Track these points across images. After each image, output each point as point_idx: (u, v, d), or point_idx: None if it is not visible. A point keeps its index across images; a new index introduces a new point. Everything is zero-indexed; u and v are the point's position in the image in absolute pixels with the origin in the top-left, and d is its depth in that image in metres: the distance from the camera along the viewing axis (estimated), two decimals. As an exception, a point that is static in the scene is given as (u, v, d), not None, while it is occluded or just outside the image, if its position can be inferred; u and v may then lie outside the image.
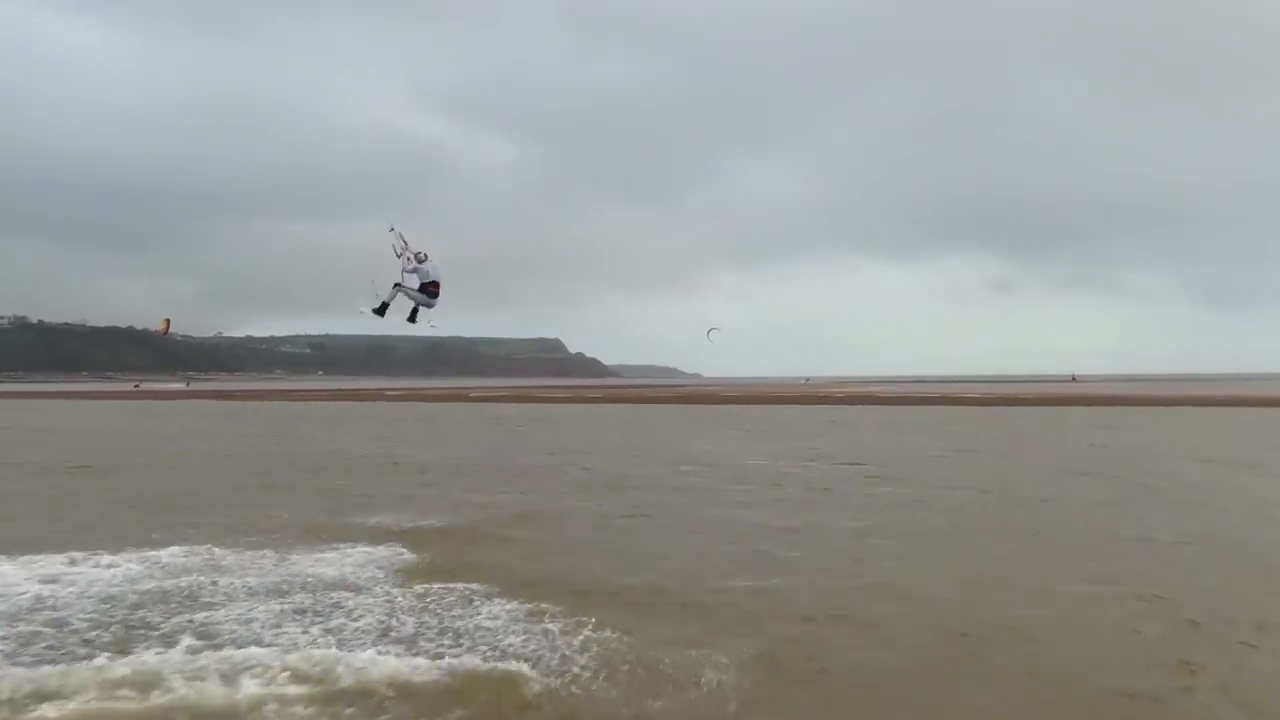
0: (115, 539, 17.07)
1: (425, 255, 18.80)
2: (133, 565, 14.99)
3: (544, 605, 12.25)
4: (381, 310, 19.15)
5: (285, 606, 12.40)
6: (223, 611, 12.13)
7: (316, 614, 12.04)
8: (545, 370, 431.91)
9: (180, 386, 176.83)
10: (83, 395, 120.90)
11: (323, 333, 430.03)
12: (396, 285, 18.76)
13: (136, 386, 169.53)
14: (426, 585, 13.58)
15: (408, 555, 15.93)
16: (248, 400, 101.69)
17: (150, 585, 13.61)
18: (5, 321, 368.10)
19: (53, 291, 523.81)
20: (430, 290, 18.64)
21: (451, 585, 13.57)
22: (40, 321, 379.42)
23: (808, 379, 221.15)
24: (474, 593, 13.21)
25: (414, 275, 18.58)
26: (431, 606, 12.47)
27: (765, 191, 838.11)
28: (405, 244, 18.59)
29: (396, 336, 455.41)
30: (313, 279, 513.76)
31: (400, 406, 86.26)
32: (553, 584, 13.84)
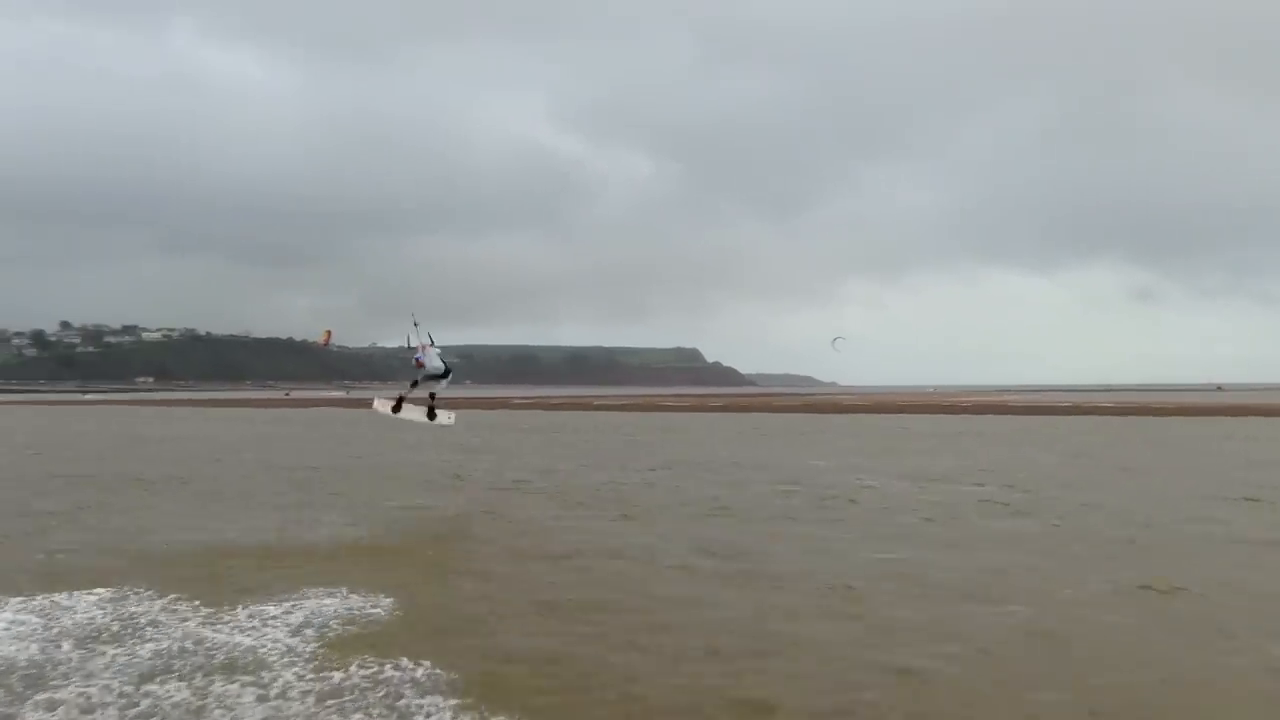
0: (46, 576, 14.21)
1: (431, 342, 21.82)
2: (30, 618, 11.81)
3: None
4: (397, 407, 22.82)
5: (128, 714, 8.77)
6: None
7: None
8: (684, 379, 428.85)
9: (340, 394, 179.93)
10: (231, 403, 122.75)
11: (471, 343, 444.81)
12: (413, 383, 22.08)
13: (287, 394, 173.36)
14: (358, 668, 9.78)
15: (366, 608, 12.28)
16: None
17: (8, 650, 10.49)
18: (176, 334, 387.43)
19: (220, 306, 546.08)
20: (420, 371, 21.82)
21: (388, 669, 9.75)
22: (208, 334, 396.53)
23: (935, 388, 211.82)
24: (418, 685, 9.36)
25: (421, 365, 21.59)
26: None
27: (899, 201, 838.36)
28: (421, 343, 21.59)
29: (539, 347, 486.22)
30: (461, 291, 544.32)
31: (523, 415, 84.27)
32: (543, 680, 9.75)
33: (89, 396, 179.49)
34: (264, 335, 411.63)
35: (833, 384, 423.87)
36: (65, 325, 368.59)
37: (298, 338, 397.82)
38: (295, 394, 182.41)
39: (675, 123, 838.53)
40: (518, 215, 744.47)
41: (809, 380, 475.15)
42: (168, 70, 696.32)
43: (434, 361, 21.52)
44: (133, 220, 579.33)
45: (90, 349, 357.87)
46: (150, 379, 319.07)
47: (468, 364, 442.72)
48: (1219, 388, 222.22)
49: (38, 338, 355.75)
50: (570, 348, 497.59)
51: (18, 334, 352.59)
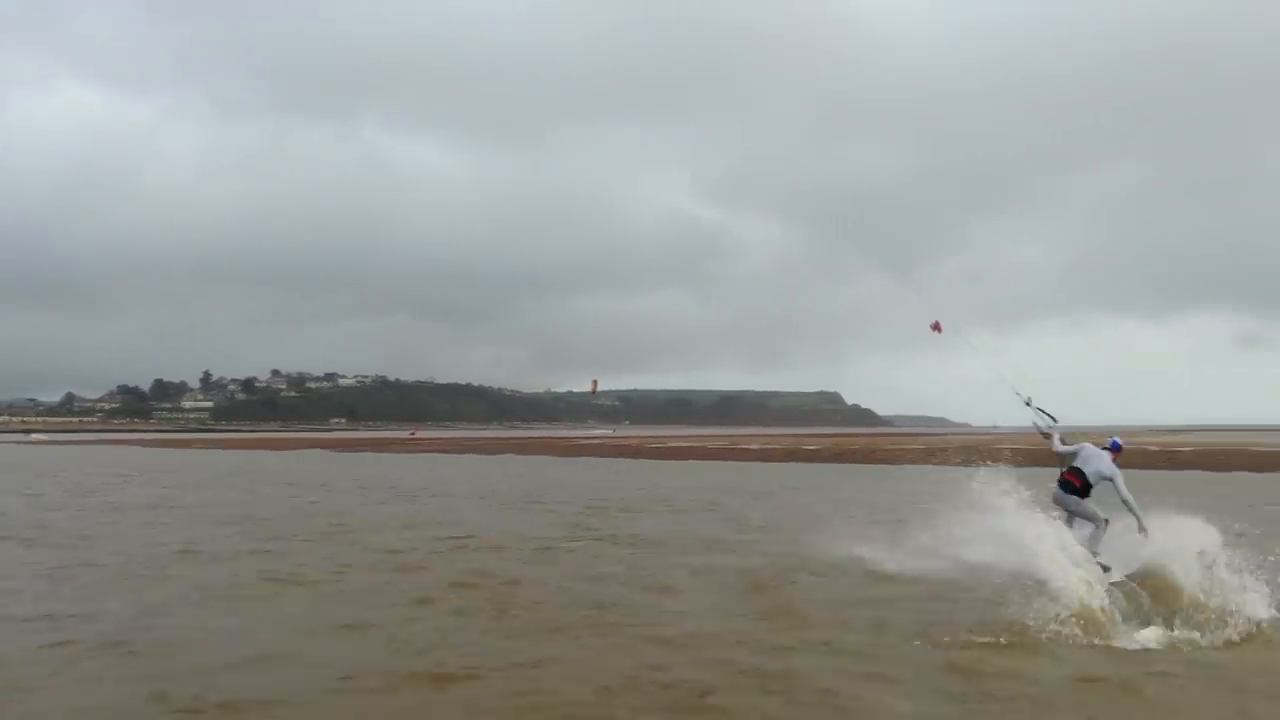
0: None
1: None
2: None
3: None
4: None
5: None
6: None
7: None
8: (826, 420, 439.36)
9: (607, 432, 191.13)
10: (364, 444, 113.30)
11: (630, 388, 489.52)
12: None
13: (412, 435, 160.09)
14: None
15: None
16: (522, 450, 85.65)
17: None
18: (369, 380, 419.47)
19: (406, 356, 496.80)
20: None
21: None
22: (397, 380, 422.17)
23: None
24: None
25: None
26: None
27: (1011, 255, 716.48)
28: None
29: (693, 391, 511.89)
30: (620, 341, 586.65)
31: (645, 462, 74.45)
32: None
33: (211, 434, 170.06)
34: (445, 381, 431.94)
35: (965, 424, 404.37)
36: (275, 373, 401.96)
37: (475, 383, 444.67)
38: (420, 434, 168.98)
39: (797, 189, 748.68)
40: (668, 275, 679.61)
41: (942, 421, 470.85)
42: (359, 156, 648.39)
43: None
44: (336, 285, 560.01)
45: (293, 394, 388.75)
46: (342, 420, 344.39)
47: (626, 405, 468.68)
48: None
49: (248, 384, 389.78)
50: (720, 391, 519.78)
51: (233, 380, 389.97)
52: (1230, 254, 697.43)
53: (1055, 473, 14.19)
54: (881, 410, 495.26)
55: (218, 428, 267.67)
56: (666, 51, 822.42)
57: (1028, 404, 15.46)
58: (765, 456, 62.63)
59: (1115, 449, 14.15)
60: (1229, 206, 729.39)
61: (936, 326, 17.27)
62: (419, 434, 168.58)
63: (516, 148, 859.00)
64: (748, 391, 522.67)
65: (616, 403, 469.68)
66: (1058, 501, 13.97)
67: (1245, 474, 36.50)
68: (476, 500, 31.64)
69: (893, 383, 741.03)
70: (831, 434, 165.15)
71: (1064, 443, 14.44)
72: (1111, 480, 13.63)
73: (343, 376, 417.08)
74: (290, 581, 15.86)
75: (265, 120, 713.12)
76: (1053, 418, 15.23)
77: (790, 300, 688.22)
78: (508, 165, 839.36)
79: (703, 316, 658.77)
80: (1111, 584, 13.18)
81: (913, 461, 51.77)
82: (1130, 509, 13.50)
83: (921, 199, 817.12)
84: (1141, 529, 13.45)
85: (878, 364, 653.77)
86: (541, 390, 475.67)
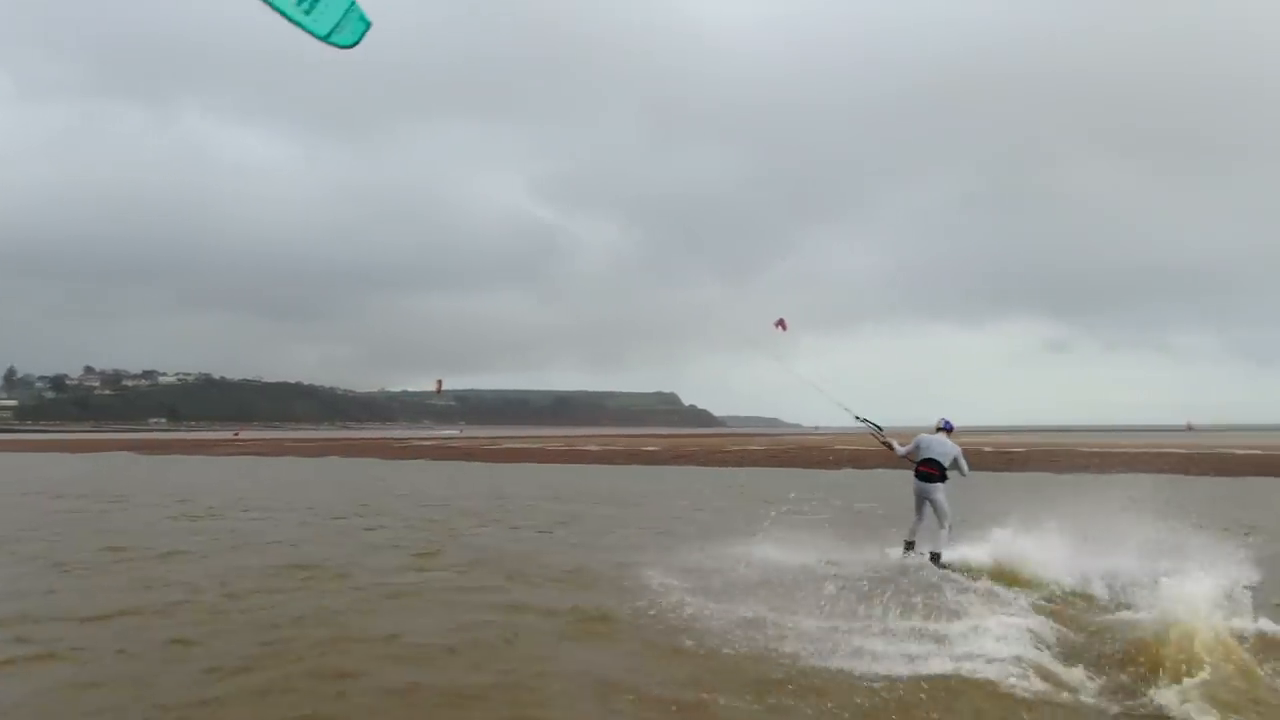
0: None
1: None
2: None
3: None
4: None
5: None
6: None
7: None
8: (662, 420, 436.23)
9: (454, 432, 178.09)
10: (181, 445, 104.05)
11: (468, 388, 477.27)
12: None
13: (236, 435, 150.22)
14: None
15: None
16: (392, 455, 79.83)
17: None
18: (191, 379, 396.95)
19: (233, 354, 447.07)
20: None
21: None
22: (222, 378, 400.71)
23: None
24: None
25: None
26: None
27: (840, 263, 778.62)
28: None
29: (531, 391, 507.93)
30: (457, 341, 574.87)
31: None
32: None
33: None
34: (274, 379, 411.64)
35: (797, 425, 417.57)
36: (88, 370, 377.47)
37: (305, 382, 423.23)
38: (244, 434, 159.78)
39: (633, 193, 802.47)
40: (506, 275, 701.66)
41: (775, 421, 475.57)
42: (179, 143, 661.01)
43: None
44: (155, 278, 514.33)
45: (108, 392, 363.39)
46: (163, 420, 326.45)
47: (463, 405, 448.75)
48: (1189, 427, 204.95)
49: (57, 382, 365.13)
50: (558, 391, 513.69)
51: (40, 378, 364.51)
52: (1040, 265, 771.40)
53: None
54: (717, 411, 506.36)
55: (22, 428, 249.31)
56: (501, 51, 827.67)
57: (858, 419, 16.56)
58: (605, 459, 61.52)
59: (948, 429, 15.31)
60: (1039, 221, 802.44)
61: (781, 324, 18.19)
62: (243, 434, 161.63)
63: (348, 141, 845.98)
64: (585, 392, 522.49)
65: (453, 402, 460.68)
66: (919, 493, 14.94)
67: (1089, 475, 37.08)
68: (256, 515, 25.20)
69: (728, 384, 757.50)
70: (668, 434, 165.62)
71: (901, 444, 15.53)
72: (957, 457, 14.92)
73: (163, 374, 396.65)
74: None
75: (74, 102, 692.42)
76: (878, 425, 16.36)
77: (628, 301, 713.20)
78: (339, 159, 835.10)
79: (541, 316, 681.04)
80: (941, 570, 13.96)
81: (756, 464, 52.06)
82: (963, 474, 15.04)
83: (753, 205, 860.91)
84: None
85: (714, 365, 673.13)
86: (376, 390, 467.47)
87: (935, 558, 14.51)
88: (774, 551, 15.55)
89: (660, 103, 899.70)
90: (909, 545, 14.99)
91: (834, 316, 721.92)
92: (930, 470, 14.86)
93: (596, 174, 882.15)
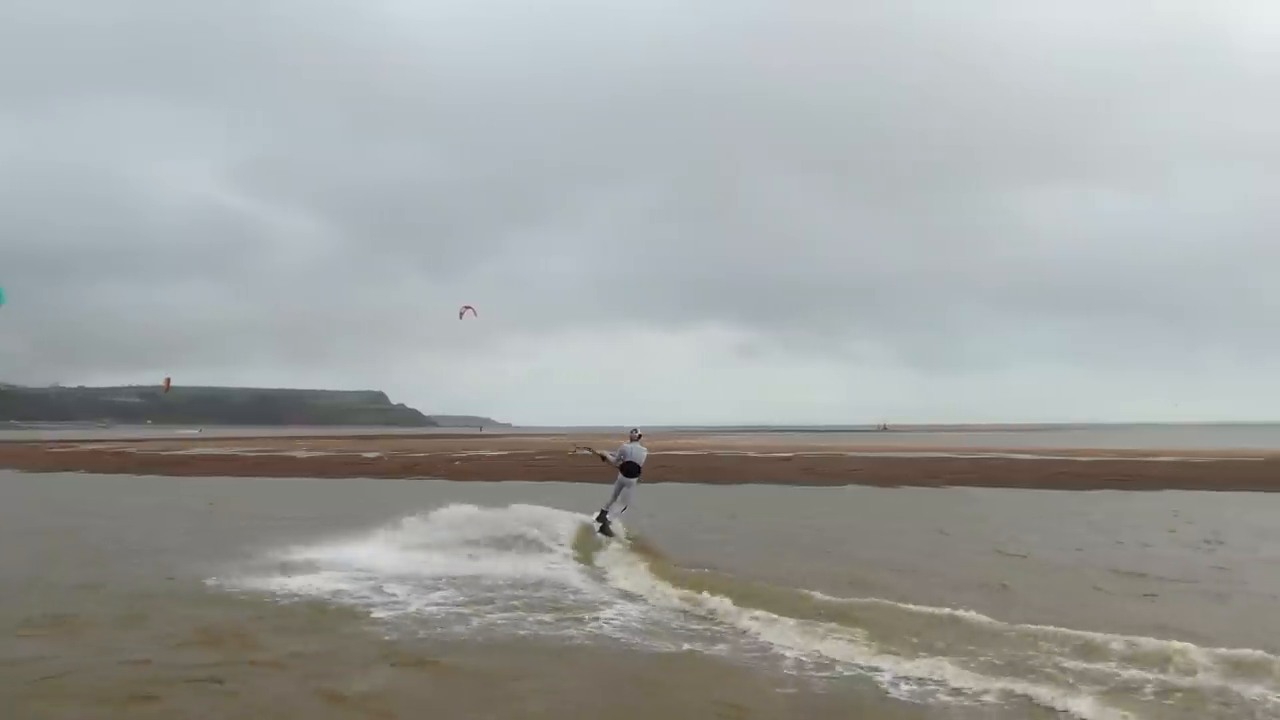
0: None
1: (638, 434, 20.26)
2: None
3: None
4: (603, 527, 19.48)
5: None
6: None
7: None
8: (371, 420, 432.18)
9: (193, 434, 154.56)
10: None
11: (154, 384, 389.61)
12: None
13: None
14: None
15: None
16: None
17: None
18: None
19: None
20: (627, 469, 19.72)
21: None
22: None
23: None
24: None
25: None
26: None
27: (544, 265, 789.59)
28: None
29: (228, 388, 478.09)
30: (141, 335, 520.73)
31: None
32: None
33: None
34: None
35: (508, 424, 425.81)
36: None
37: None
38: None
39: (335, 185, 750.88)
40: (195, 266, 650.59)
41: (487, 421, 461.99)
42: None
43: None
44: None
45: None
46: None
47: (152, 403, 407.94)
48: (884, 427, 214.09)
49: None
50: (257, 389, 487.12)
51: None
52: (731, 274, 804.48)
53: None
54: (427, 410, 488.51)
55: None
56: (192, 32, 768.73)
57: (579, 451, 24.68)
58: (320, 469, 51.80)
59: (638, 436, 20.62)
60: (728, 233, 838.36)
61: (470, 310, 22.67)
62: None
63: (16, 115, 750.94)
64: (287, 390, 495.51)
65: (137, 399, 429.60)
66: (621, 484, 20.29)
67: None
68: None
69: (438, 383, 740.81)
70: (383, 435, 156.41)
71: (611, 452, 20.64)
72: (646, 457, 20.70)
73: None
74: None
75: None
76: (591, 450, 22.14)
77: (330, 296, 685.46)
78: (6, 133, 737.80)
79: (236, 311, 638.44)
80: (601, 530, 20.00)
81: (519, 478, 44.29)
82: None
83: (460, 204, 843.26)
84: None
85: (422, 363, 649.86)
86: (48, 385, 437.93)
87: (605, 522, 20.00)
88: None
89: (361, 95, 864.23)
90: (602, 515, 20.08)
91: (541, 318, 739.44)
92: (631, 469, 20.17)
93: (294, 163, 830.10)
